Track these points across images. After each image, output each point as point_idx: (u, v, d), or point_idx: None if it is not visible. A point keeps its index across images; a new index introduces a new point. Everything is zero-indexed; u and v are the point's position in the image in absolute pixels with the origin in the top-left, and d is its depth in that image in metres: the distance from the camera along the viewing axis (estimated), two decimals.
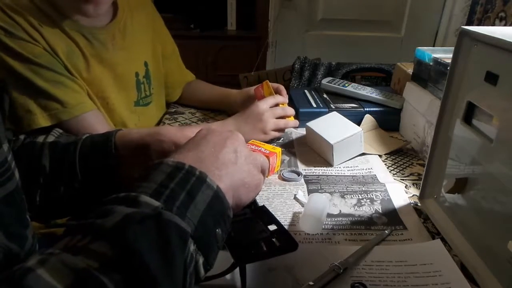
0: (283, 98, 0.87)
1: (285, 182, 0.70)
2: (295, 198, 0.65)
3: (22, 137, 0.59)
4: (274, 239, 0.43)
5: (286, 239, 0.44)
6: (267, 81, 0.87)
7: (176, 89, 1.07)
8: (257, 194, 0.46)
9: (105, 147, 0.56)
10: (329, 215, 0.60)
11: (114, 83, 0.85)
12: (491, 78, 0.47)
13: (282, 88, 0.89)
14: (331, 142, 0.73)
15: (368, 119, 0.90)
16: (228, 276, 0.45)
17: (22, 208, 0.40)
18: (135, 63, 0.91)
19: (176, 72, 1.06)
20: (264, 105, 0.82)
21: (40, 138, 0.58)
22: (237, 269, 0.43)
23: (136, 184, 0.36)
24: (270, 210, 0.48)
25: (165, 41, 1.02)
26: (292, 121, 0.86)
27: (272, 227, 0.45)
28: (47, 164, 0.55)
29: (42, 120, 0.71)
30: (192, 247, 0.33)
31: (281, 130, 0.85)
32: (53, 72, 0.72)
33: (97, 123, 0.77)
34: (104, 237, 0.29)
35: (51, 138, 0.59)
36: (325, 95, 0.99)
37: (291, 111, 0.86)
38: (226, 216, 0.38)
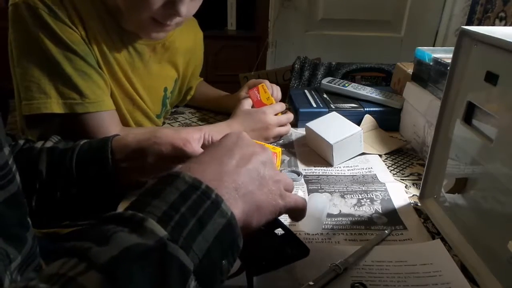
0: (284, 105, 0.87)
1: None
2: None
3: (21, 142, 0.59)
4: (285, 246, 0.42)
5: (297, 245, 0.42)
6: (264, 84, 0.86)
7: (188, 98, 1.08)
8: (269, 220, 0.41)
9: (101, 152, 0.56)
10: (329, 215, 0.60)
11: (141, 92, 0.85)
12: (491, 78, 0.47)
13: (277, 88, 0.90)
14: (331, 142, 0.73)
15: (368, 119, 0.90)
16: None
17: (24, 210, 0.40)
18: (166, 79, 0.92)
19: (193, 85, 1.07)
20: (272, 114, 0.83)
21: (39, 144, 0.58)
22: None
23: (146, 198, 0.33)
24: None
25: (198, 65, 1.04)
26: (289, 127, 0.87)
27: (279, 231, 0.44)
28: (44, 169, 0.55)
29: (55, 105, 0.69)
30: (192, 283, 0.30)
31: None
32: (84, 62, 0.71)
33: (111, 124, 0.75)
34: (98, 269, 0.27)
35: (49, 144, 0.59)
36: (325, 95, 0.99)
37: (291, 116, 0.87)
38: (236, 246, 0.35)
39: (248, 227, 0.39)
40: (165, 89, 0.92)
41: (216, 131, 0.72)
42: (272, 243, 0.43)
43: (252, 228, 0.39)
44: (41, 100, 0.69)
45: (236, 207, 0.36)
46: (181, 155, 0.55)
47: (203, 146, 0.58)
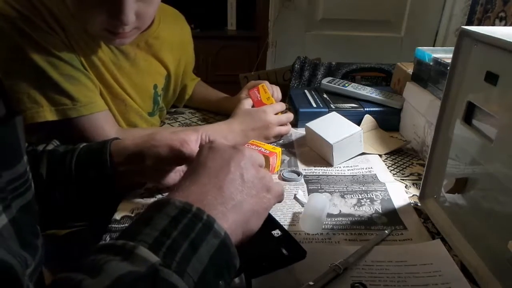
0: (284, 105, 0.87)
1: (285, 182, 0.70)
2: (295, 198, 0.65)
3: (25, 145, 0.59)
4: (282, 248, 0.42)
5: (294, 248, 0.42)
6: (264, 85, 0.86)
7: (185, 97, 1.07)
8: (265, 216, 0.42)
9: (100, 155, 0.56)
10: (329, 215, 0.60)
11: (130, 92, 0.84)
12: (491, 78, 0.47)
13: (277, 89, 0.90)
14: (331, 142, 0.73)
15: (368, 119, 0.90)
16: None
17: (35, 217, 0.40)
18: (155, 75, 0.90)
19: (189, 84, 1.06)
20: (272, 113, 0.82)
21: (40, 147, 0.59)
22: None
23: (137, 226, 0.34)
24: (270, 210, 0.48)
25: (190, 62, 1.03)
26: (289, 126, 0.87)
27: (276, 233, 0.44)
28: (44, 171, 0.55)
29: (48, 113, 0.69)
30: None
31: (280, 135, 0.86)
32: (69, 66, 0.70)
33: (106, 124, 0.75)
34: None
35: (50, 147, 0.59)
36: (325, 95, 0.99)
37: (291, 116, 0.87)
38: (232, 266, 0.35)
39: (250, 232, 0.39)
40: (155, 86, 0.91)
41: (213, 131, 0.72)
42: (269, 245, 0.43)
43: (255, 231, 0.40)
44: (34, 110, 0.68)
45: (226, 222, 0.36)
46: (179, 157, 0.55)
47: (201, 146, 0.58)
